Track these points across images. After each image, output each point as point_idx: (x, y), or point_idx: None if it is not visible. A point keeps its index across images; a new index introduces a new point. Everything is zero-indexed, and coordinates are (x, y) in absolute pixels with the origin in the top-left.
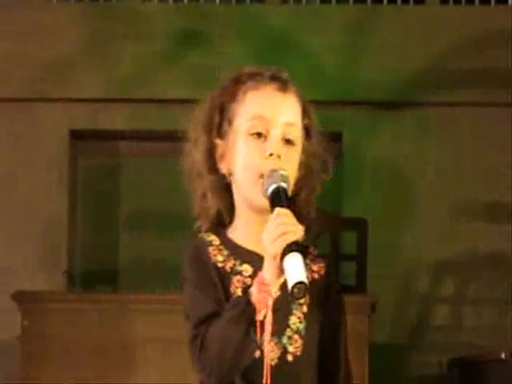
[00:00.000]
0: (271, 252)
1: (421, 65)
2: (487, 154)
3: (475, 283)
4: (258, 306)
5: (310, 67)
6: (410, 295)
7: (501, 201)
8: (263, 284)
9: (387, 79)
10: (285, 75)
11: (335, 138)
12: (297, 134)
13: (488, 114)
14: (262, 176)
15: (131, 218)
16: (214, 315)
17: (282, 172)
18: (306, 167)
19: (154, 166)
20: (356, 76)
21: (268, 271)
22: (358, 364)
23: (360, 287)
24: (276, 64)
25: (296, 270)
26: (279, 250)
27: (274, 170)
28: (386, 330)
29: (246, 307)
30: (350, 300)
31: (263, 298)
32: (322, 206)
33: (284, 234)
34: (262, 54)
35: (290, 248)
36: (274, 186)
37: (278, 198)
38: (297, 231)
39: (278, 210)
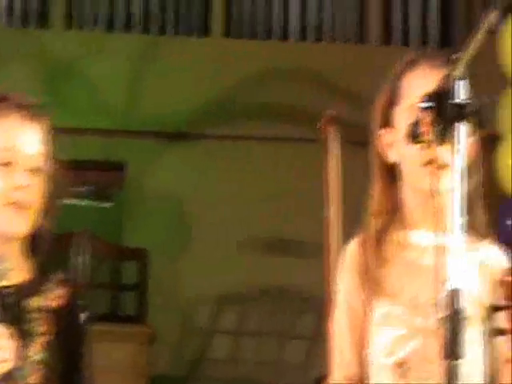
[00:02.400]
0: None
1: (205, 97)
2: (270, 188)
3: (255, 316)
4: None
5: (94, 95)
6: (191, 326)
7: (280, 235)
8: None
9: (172, 110)
10: (31, 101)
11: (119, 167)
12: (42, 162)
13: (274, 149)
14: None
15: None
16: None
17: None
18: (47, 193)
19: None
20: (140, 106)
21: None
22: None
23: (140, 318)
24: (60, 92)
25: None
26: None
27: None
28: (167, 361)
29: None
30: (129, 331)
31: None
32: (102, 235)
33: (2, 361)
34: (46, 80)
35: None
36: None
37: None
38: (10, 360)
39: None
